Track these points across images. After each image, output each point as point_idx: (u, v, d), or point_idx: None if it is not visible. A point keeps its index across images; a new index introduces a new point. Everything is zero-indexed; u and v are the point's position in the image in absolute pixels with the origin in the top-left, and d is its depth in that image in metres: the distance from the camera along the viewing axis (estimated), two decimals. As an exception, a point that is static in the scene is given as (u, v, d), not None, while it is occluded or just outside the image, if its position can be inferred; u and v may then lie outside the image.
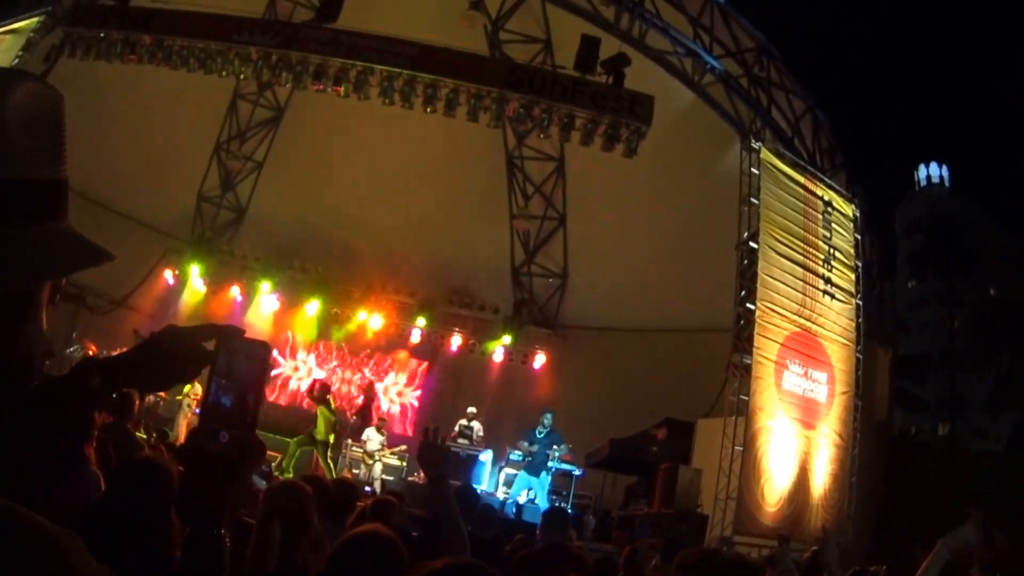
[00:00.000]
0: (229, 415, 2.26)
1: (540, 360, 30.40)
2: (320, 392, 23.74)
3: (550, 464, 22.76)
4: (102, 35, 23.33)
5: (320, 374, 30.95)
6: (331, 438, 22.83)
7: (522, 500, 21.66)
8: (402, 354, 32.05)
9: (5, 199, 1.70)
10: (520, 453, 22.89)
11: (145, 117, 28.02)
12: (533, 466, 22.68)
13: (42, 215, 1.79)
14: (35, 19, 24.32)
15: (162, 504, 4.85)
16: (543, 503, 21.64)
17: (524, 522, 18.63)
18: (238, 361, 2.28)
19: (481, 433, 25.09)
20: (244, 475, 2.12)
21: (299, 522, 5.68)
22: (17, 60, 23.34)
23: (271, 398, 30.77)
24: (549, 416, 23.39)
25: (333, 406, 23.25)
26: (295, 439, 22.63)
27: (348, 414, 26.43)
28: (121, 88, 26.33)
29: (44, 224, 1.79)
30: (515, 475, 23.03)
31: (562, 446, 22.75)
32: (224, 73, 23.46)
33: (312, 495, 6.01)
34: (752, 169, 21.11)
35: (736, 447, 19.20)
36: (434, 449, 5.18)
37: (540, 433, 22.99)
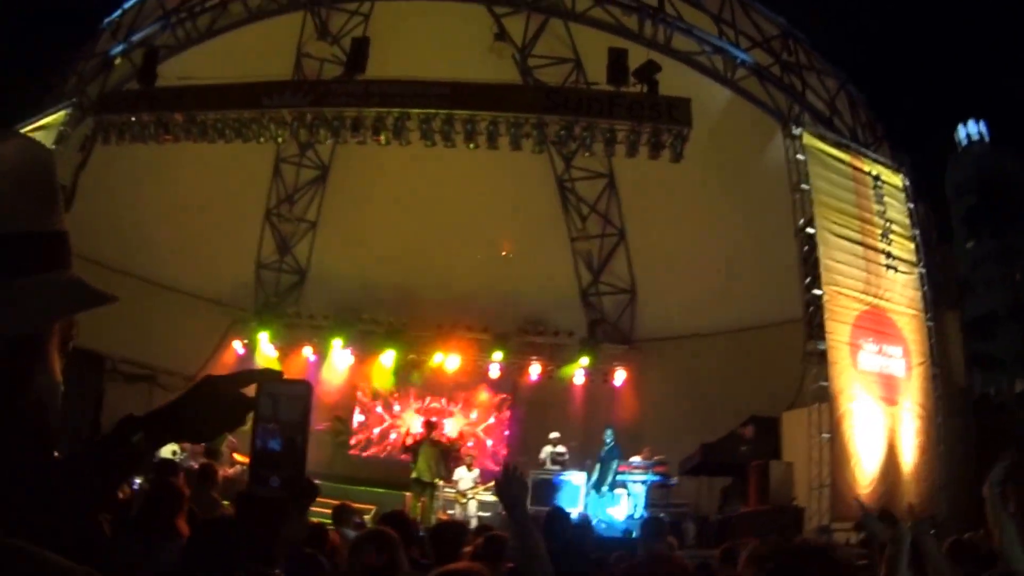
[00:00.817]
0: (278, 459, 2.29)
1: (621, 376, 30.27)
2: (426, 430, 24.14)
3: (618, 479, 23.27)
4: (133, 119, 23.55)
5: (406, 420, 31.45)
6: (437, 480, 23.02)
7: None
8: (482, 392, 32.08)
9: (7, 253, 1.75)
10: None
11: (192, 194, 28.17)
12: (596, 484, 23.08)
13: (45, 266, 1.82)
14: (62, 112, 24.48)
15: (238, 560, 4.97)
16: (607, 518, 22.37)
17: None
18: (282, 404, 2.29)
19: (567, 456, 25.18)
20: (298, 515, 2.19)
21: (389, 571, 5.81)
22: (51, 153, 23.47)
23: (362, 452, 31.21)
24: (609, 432, 23.89)
25: (432, 442, 23.48)
26: (410, 493, 23.08)
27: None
28: (163, 168, 26.54)
29: (48, 274, 1.83)
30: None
31: (614, 462, 23.23)
32: (262, 139, 23.64)
33: (398, 539, 6.11)
34: (797, 156, 20.99)
35: (823, 435, 19.04)
36: (513, 483, 5.19)
37: (602, 452, 23.23)
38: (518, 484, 5.27)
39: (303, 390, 2.35)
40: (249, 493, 2.34)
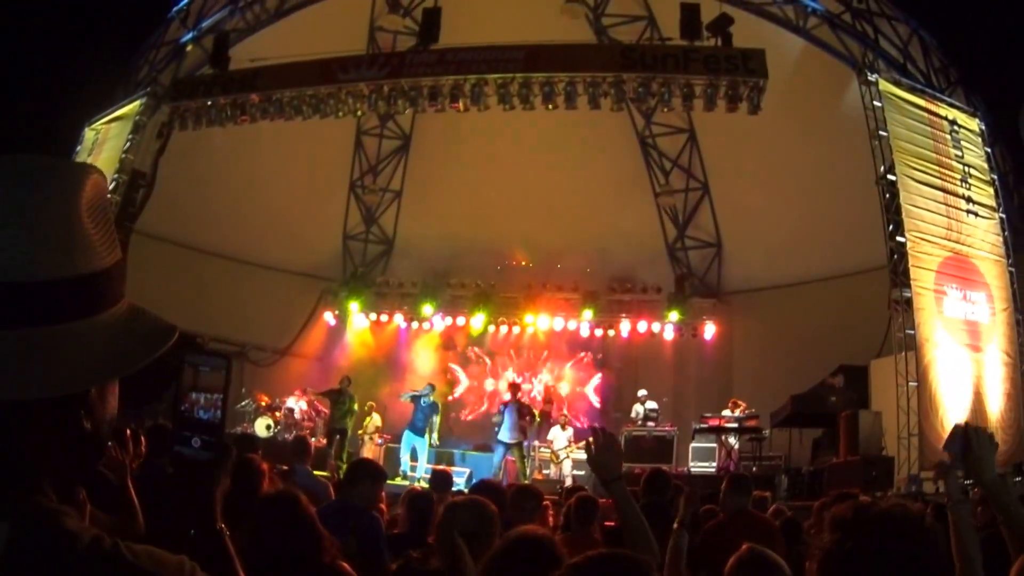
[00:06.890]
0: (199, 423, 2.49)
1: (710, 330, 30.09)
2: (512, 392, 24.47)
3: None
4: (209, 103, 23.98)
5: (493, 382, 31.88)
6: (516, 440, 23.24)
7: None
8: (573, 351, 32.01)
9: (87, 292, 1.75)
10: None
11: (274, 172, 28.72)
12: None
13: (112, 300, 1.82)
14: (137, 102, 24.90)
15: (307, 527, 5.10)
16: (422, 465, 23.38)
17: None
18: (202, 374, 2.50)
19: (659, 412, 25.77)
20: (221, 473, 2.33)
21: (483, 541, 5.35)
22: (129, 143, 24.18)
23: (460, 416, 31.68)
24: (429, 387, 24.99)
25: (517, 404, 23.68)
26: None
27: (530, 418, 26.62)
28: (243, 149, 27.17)
29: (113, 308, 1.82)
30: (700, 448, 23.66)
31: (436, 417, 24.86)
32: (340, 113, 23.91)
33: (496, 513, 5.78)
34: (874, 102, 20.88)
35: (911, 383, 19.03)
36: (607, 451, 4.97)
37: (425, 402, 24.20)
38: (612, 452, 5.05)
39: (223, 363, 2.55)
40: (175, 453, 2.52)
